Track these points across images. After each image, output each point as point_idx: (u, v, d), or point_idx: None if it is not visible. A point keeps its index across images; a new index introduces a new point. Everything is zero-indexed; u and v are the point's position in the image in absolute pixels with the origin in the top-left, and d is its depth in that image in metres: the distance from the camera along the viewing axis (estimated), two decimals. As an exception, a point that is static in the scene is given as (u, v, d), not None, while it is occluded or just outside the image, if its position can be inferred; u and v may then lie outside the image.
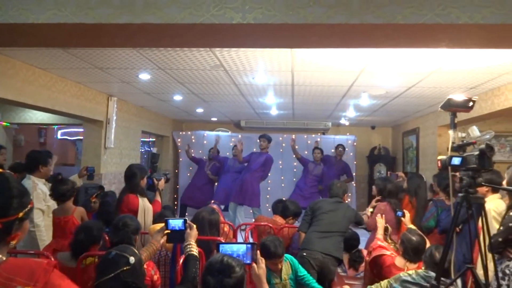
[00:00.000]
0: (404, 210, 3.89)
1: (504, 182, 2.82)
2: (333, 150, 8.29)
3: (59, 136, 9.93)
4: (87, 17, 2.31)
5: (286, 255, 3.16)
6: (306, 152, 8.28)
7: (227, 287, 1.69)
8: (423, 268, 2.67)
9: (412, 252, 3.00)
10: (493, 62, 3.73)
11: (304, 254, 3.58)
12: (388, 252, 3.23)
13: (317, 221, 3.77)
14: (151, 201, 3.93)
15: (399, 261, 3.07)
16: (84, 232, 2.80)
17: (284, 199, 5.29)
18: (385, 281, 2.66)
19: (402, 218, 3.81)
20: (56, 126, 9.52)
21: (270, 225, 4.15)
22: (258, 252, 2.06)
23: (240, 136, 8.68)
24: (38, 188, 3.60)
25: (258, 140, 7.40)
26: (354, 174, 8.72)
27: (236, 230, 4.40)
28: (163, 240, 2.49)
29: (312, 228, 3.77)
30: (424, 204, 4.33)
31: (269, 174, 7.59)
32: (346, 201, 4.08)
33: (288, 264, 3.17)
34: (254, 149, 8.05)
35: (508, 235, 2.56)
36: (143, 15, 2.28)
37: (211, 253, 2.93)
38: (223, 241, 3.17)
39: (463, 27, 2.17)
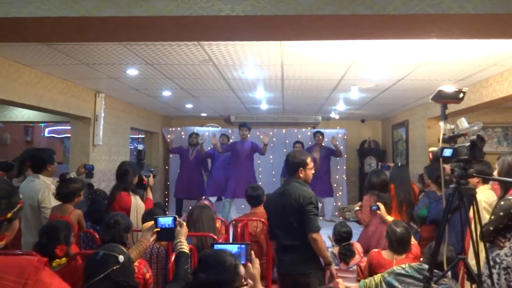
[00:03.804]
0: (378, 203, 3.85)
1: (495, 173, 2.83)
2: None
3: (46, 134, 9.79)
4: (71, 10, 2.24)
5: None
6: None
7: (218, 282, 1.65)
8: (421, 260, 2.68)
9: (396, 244, 2.99)
10: (481, 54, 3.74)
11: (281, 276, 2.97)
12: (376, 250, 3.25)
13: (273, 230, 3.04)
14: (141, 199, 3.88)
15: (386, 253, 3.08)
16: (48, 234, 2.51)
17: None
18: (378, 275, 2.65)
19: (378, 211, 3.81)
20: (43, 124, 9.38)
21: (262, 220, 4.12)
22: (253, 252, 2.02)
23: (230, 131, 8.62)
24: (51, 188, 3.52)
25: (239, 130, 7.18)
26: (344, 168, 8.74)
27: (228, 225, 4.37)
28: (152, 238, 2.46)
29: (274, 239, 3.06)
30: (407, 193, 4.33)
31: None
32: (311, 171, 2.98)
33: None
34: (232, 138, 7.98)
35: (499, 224, 2.59)
36: (128, 8, 2.23)
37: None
38: (215, 236, 3.15)
39: (453, 17, 2.16)
